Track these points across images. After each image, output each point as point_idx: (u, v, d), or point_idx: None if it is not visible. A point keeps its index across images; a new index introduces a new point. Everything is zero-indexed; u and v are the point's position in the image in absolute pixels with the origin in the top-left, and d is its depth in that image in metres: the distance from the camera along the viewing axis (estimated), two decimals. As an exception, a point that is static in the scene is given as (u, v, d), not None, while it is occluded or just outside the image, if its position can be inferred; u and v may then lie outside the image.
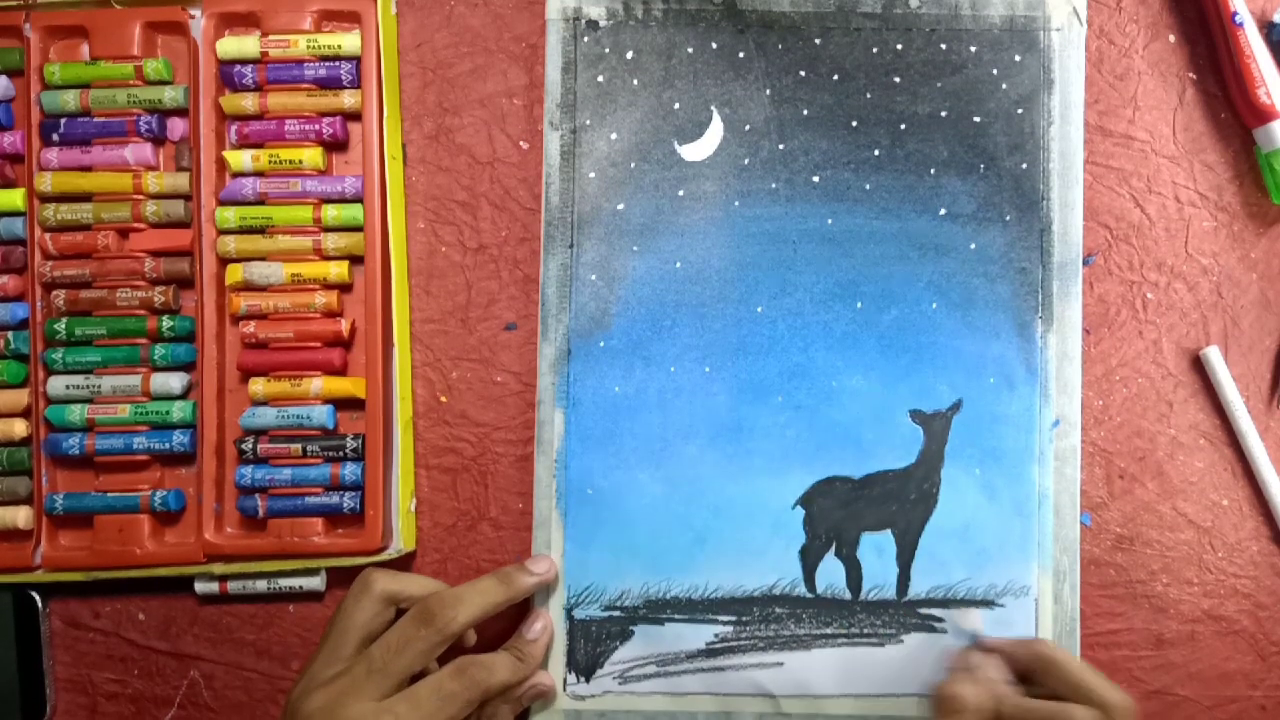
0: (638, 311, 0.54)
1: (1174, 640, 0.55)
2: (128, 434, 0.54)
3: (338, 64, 0.54)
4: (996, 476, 0.54)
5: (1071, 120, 0.55)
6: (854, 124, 0.55)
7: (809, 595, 0.54)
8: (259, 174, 0.54)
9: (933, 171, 0.55)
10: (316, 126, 0.54)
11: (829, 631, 0.54)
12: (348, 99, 0.54)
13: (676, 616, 0.54)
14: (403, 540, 0.54)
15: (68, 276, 0.54)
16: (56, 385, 0.54)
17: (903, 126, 0.55)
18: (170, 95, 0.55)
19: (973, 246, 0.54)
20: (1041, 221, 0.54)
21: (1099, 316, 0.56)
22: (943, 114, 0.55)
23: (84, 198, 0.55)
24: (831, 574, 0.54)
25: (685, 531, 0.54)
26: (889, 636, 0.54)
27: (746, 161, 0.55)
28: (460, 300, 0.56)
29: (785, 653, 0.54)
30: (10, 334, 0.54)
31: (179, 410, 0.54)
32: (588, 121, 0.55)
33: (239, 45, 0.54)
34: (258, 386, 0.54)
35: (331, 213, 0.54)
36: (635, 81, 0.55)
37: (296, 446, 0.54)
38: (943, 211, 0.54)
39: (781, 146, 0.55)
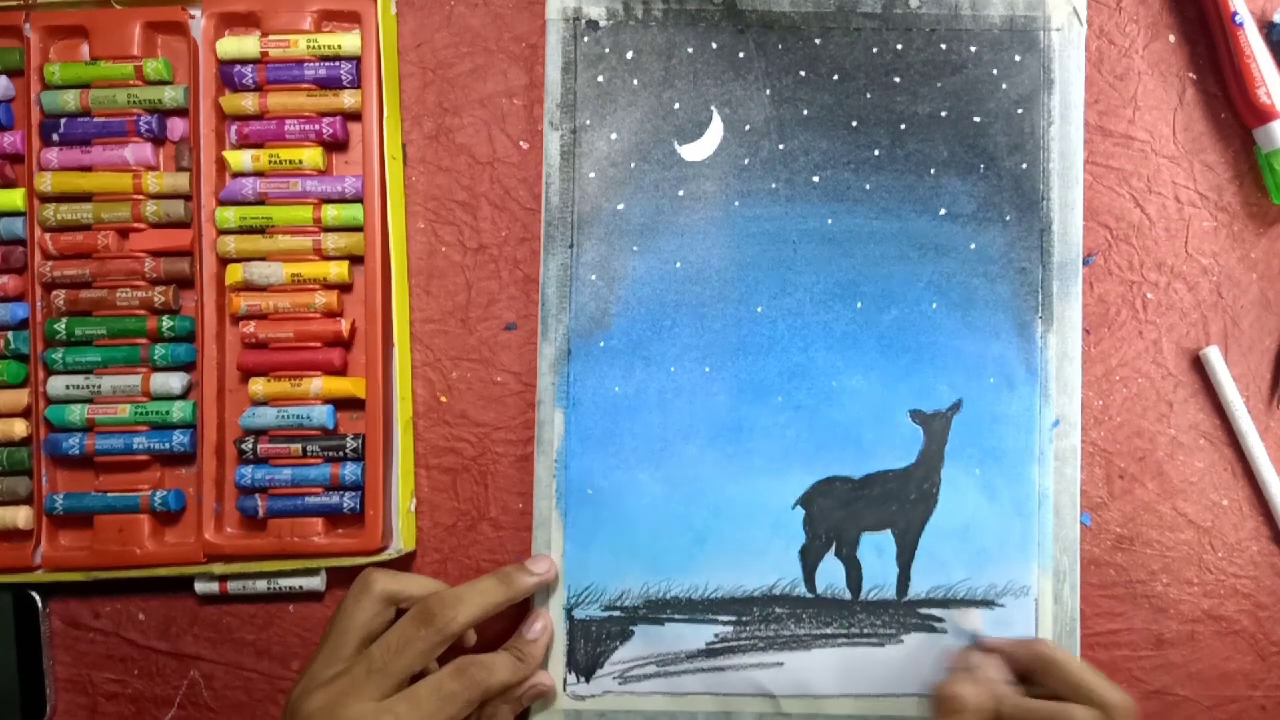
0: (638, 311, 0.54)
1: (1174, 640, 0.55)
2: (128, 434, 0.54)
3: (338, 64, 0.54)
4: (996, 476, 0.54)
5: (1071, 120, 0.55)
6: (854, 124, 0.55)
7: (809, 595, 0.54)
8: (259, 174, 0.54)
9: (933, 171, 0.55)
10: (316, 126, 0.54)
11: (829, 631, 0.54)
12: (348, 99, 0.54)
13: (676, 616, 0.54)
14: (403, 540, 0.54)
15: (68, 276, 0.54)
16: (56, 385, 0.54)
17: (903, 126, 0.55)
18: (170, 95, 0.55)
19: (973, 246, 0.54)
20: (1041, 221, 0.54)
21: (1099, 316, 0.56)
22: (943, 114, 0.55)
23: (84, 198, 0.55)
24: (831, 574, 0.54)
25: (685, 531, 0.54)
26: (889, 636, 0.54)
27: (746, 161, 0.55)
28: (460, 300, 0.56)
29: (785, 653, 0.54)
30: (10, 334, 0.54)
31: (179, 410, 0.54)
32: (588, 121, 0.55)
33: (239, 45, 0.54)
34: (258, 386, 0.54)
35: (331, 213, 0.54)
36: (635, 81, 0.55)
37: (296, 446, 0.54)
38: (943, 211, 0.54)
39: (781, 146, 0.55)
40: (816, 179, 0.55)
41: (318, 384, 0.54)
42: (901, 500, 0.54)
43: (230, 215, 0.54)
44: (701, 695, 0.53)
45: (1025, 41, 0.54)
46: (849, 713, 0.53)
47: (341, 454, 0.54)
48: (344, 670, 0.46)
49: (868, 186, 0.55)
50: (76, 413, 0.54)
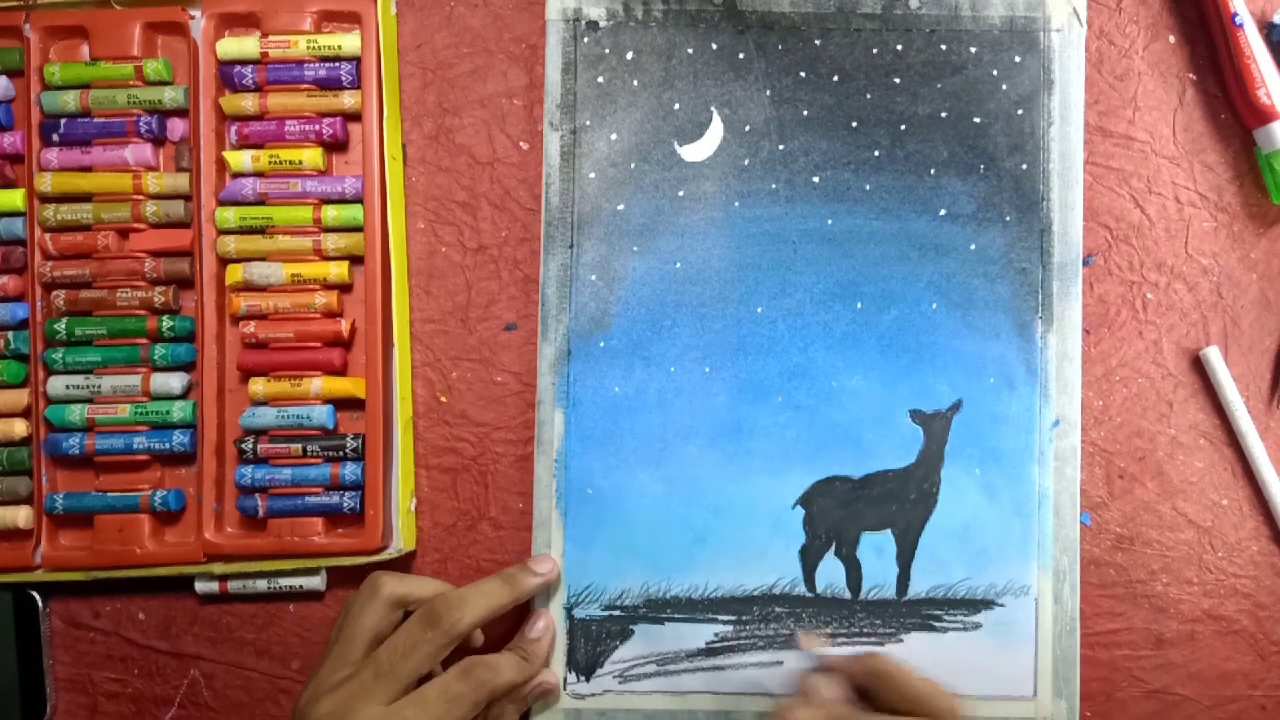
0: (638, 312, 0.54)
1: (1174, 640, 0.55)
2: (128, 434, 0.54)
3: (338, 64, 0.54)
4: (996, 476, 0.54)
5: (1071, 121, 0.55)
6: (854, 124, 0.55)
7: (809, 595, 0.54)
8: (259, 174, 0.54)
9: (933, 172, 0.55)
10: (316, 127, 0.54)
11: (829, 631, 0.54)
12: (348, 99, 0.54)
13: (676, 616, 0.54)
14: (403, 540, 0.54)
15: (68, 276, 0.54)
16: (56, 385, 0.54)
17: (903, 127, 0.55)
18: (170, 96, 0.55)
19: (973, 247, 0.54)
20: (1041, 222, 0.54)
21: (1099, 316, 0.56)
22: (943, 114, 0.55)
23: (84, 198, 0.55)
24: (831, 574, 0.54)
25: (685, 531, 0.54)
26: (889, 636, 0.54)
27: (746, 162, 0.55)
28: (460, 300, 0.56)
29: (785, 652, 0.54)
30: (10, 334, 0.54)
31: (179, 410, 0.54)
32: (588, 122, 0.55)
33: (239, 46, 0.54)
34: (258, 386, 0.54)
35: (331, 213, 0.54)
36: (635, 82, 0.55)
37: (296, 446, 0.54)
38: (943, 212, 0.54)
39: (781, 147, 0.55)
40: (816, 179, 0.55)
41: (318, 384, 0.54)
42: (901, 500, 0.54)
43: (230, 215, 0.54)
44: (701, 694, 0.53)
45: (1025, 42, 0.55)
46: (849, 713, 0.53)
47: (341, 454, 0.54)
48: (351, 675, 0.46)
49: (868, 187, 0.55)
50: (76, 413, 0.54)
